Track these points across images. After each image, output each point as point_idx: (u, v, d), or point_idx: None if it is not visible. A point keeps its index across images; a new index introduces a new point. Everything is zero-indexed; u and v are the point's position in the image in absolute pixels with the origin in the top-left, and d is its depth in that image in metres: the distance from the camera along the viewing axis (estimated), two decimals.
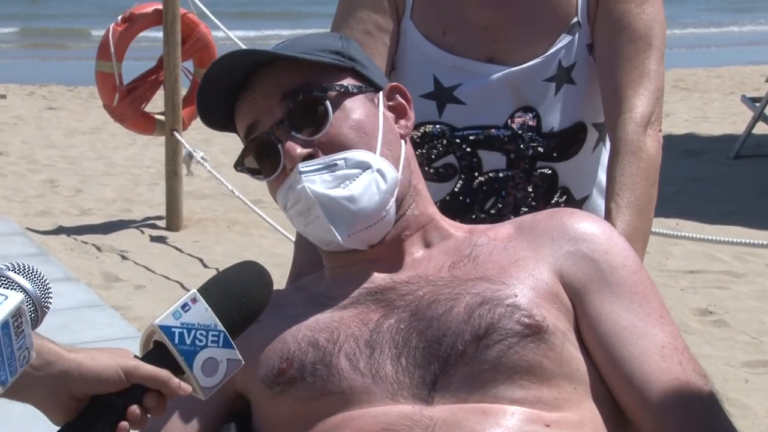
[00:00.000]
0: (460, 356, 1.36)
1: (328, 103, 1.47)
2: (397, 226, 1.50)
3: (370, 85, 1.53)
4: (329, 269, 1.54)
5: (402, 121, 1.55)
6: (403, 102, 1.57)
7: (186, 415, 1.48)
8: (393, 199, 1.47)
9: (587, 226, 1.50)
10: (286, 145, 1.45)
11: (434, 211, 1.56)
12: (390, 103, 1.55)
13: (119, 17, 6.81)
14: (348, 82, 1.50)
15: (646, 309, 1.44)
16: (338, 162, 1.44)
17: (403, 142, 1.53)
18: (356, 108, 1.49)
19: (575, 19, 1.86)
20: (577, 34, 1.86)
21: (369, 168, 1.45)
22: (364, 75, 1.53)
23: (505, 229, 1.53)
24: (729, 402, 3.80)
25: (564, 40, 1.86)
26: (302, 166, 1.44)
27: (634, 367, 1.40)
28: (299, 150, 1.44)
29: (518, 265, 1.45)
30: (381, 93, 1.54)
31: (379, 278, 1.48)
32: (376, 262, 1.50)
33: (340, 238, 1.45)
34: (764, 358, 4.25)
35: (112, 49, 6.62)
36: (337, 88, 1.48)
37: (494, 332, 1.36)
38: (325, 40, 1.55)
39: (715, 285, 5.22)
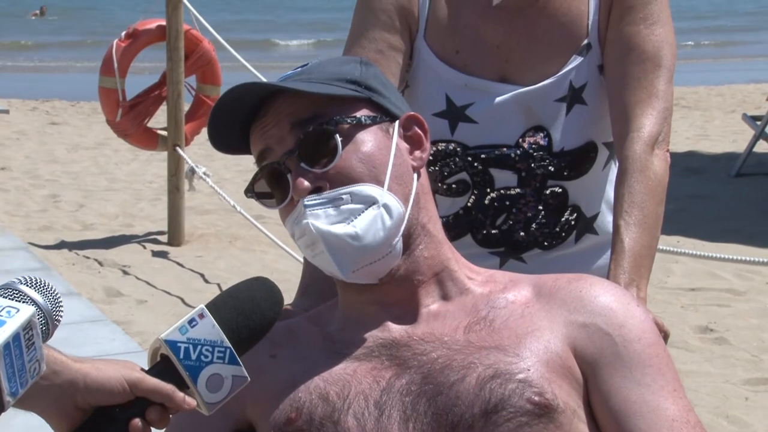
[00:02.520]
0: (467, 429, 1.35)
1: (337, 136, 1.45)
2: (407, 267, 1.47)
3: (386, 115, 1.50)
4: (343, 305, 1.53)
5: (417, 153, 1.52)
6: (420, 133, 1.53)
7: (194, 428, 1.48)
8: (399, 235, 1.45)
9: (605, 299, 1.47)
10: (294, 176, 1.45)
11: (449, 256, 1.51)
12: (406, 134, 1.52)
13: (123, 33, 6.84)
14: (362, 113, 1.48)
15: (659, 382, 1.42)
16: (344, 197, 1.42)
17: (416, 175, 1.50)
18: (368, 140, 1.46)
19: (586, 41, 1.88)
20: (588, 56, 1.88)
21: (375, 203, 1.43)
22: (380, 104, 1.51)
23: (524, 290, 1.50)
24: (729, 419, 3.80)
25: (575, 61, 1.88)
26: (307, 200, 1.43)
27: None
28: (306, 183, 1.43)
29: (533, 336, 1.43)
30: (396, 123, 1.51)
31: (394, 330, 1.46)
32: (391, 307, 1.48)
33: (342, 275, 1.44)
34: (765, 376, 4.26)
35: (116, 65, 6.65)
36: (349, 120, 1.46)
37: (504, 409, 1.35)
38: (344, 67, 1.53)
39: (716, 302, 5.22)
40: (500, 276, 1.55)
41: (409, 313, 1.48)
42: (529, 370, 1.39)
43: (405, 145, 1.52)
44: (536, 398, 1.36)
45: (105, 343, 4.56)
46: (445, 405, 1.38)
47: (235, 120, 1.50)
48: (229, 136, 1.53)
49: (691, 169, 8.56)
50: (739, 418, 3.84)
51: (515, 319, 1.45)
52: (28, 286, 1.18)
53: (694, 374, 4.20)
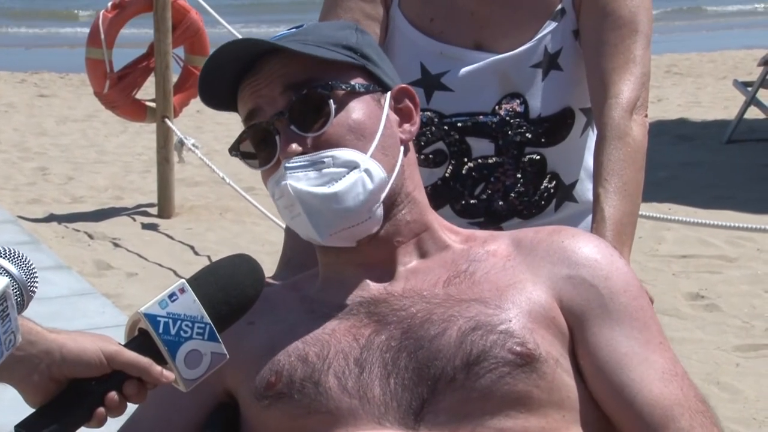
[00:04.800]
0: (449, 382, 1.35)
1: (331, 102, 1.44)
2: (387, 230, 1.47)
3: (378, 85, 1.50)
4: (322, 267, 1.52)
5: (406, 126, 1.52)
6: (411, 106, 1.53)
7: (170, 405, 1.47)
8: (380, 201, 1.45)
9: (588, 249, 1.47)
10: (284, 139, 1.44)
11: (432, 219, 1.52)
12: (397, 106, 1.52)
13: (109, 3, 6.77)
14: (356, 80, 1.48)
15: (645, 335, 1.43)
16: (325, 159, 1.42)
17: (402, 147, 1.50)
18: (359, 108, 1.46)
19: (560, 6, 1.87)
20: (562, 21, 1.87)
21: (356, 167, 1.42)
22: (374, 74, 1.50)
23: (504, 244, 1.50)
24: (720, 386, 3.81)
25: (549, 26, 1.87)
26: (289, 162, 1.42)
27: (634, 392, 1.39)
28: (294, 146, 1.43)
29: (515, 288, 1.43)
30: (388, 94, 1.51)
31: (373, 288, 1.46)
32: (370, 268, 1.47)
33: (319, 238, 1.43)
34: (755, 342, 4.26)
35: (102, 36, 6.59)
36: (344, 87, 1.46)
37: (485, 360, 1.35)
38: (340, 32, 1.52)
39: (707, 269, 5.22)
40: (480, 233, 1.56)
41: (387, 273, 1.48)
42: (510, 321, 1.39)
43: (395, 117, 1.52)
44: (518, 348, 1.36)
45: (95, 316, 4.55)
46: (426, 359, 1.38)
47: (227, 76, 1.49)
48: (220, 91, 1.51)
49: (682, 136, 8.53)
50: (730, 384, 3.85)
51: (496, 272, 1.45)
52: (1, 257, 1.17)
53: (685, 341, 4.20)
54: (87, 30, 6.96)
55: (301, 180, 1.41)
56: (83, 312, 4.59)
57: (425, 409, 1.35)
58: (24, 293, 1.18)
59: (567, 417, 1.38)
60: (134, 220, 6.45)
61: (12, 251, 1.19)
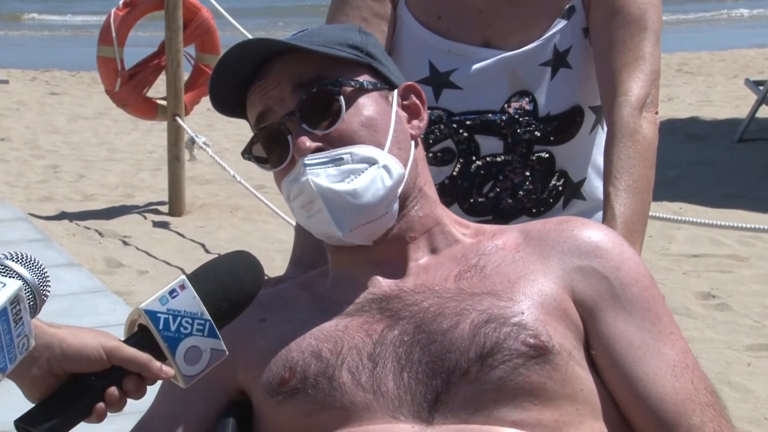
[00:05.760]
0: (463, 374, 1.36)
1: (341, 98, 1.46)
2: (400, 226, 1.48)
3: (385, 83, 1.52)
4: (333, 266, 1.53)
5: (414, 122, 1.54)
6: (418, 102, 1.55)
7: (182, 403, 1.47)
8: (397, 196, 1.46)
9: (598, 239, 1.48)
10: (296, 137, 1.45)
11: (442, 213, 1.54)
12: (404, 103, 1.54)
13: (120, 1, 6.79)
14: (363, 78, 1.49)
15: (658, 327, 1.44)
16: (344, 156, 1.43)
17: (413, 142, 1.52)
18: (369, 105, 1.48)
19: (569, 4, 1.87)
20: (571, 19, 1.87)
21: (375, 163, 1.44)
22: (380, 72, 1.52)
23: (513, 236, 1.51)
24: (731, 386, 3.80)
25: (559, 24, 1.86)
26: (308, 159, 1.43)
27: (648, 387, 1.41)
28: (309, 143, 1.43)
29: (527, 280, 1.44)
30: (396, 91, 1.53)
31: (384, 284, 1.47)
32: (381, 264, 1.48)
33: (341, 233, 1.44)
34: (767, 342, 4.25)
35: (114, 34, 6.61)
36: (352, 83, 1.47)
37: (499, 352, 1.37)
38: (344, 33, 1.54)
39: (718, 269, 5.21)
40: (488, 227, 1.57)
41: (398, 269, 1.49)
42: (523, 313, 1.40)
43: (403, 114, 1.53)
44: (531, 340, 1.37)
45: (106, 313, 4.56)
46: (439, 352, 1.39)
47: (237, 80, 1.50)
48: (229, 97, 1.52)
49: (693, 135, 8.51)
50: (741, 384, 3.84)
51: (507, 265, 1.46)
52: (14, 261, 1.18)
53: (696, 340, 4.19)
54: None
55: (320, 176, 1.42)
56: (94, 309, 4.61)
57: (439, 401, 1.36)
58: (36, 297, 1.18)
59: (581, 410, 1.39)
60: (145, 218, 6.46)
61: (24, 256, 1.19)
